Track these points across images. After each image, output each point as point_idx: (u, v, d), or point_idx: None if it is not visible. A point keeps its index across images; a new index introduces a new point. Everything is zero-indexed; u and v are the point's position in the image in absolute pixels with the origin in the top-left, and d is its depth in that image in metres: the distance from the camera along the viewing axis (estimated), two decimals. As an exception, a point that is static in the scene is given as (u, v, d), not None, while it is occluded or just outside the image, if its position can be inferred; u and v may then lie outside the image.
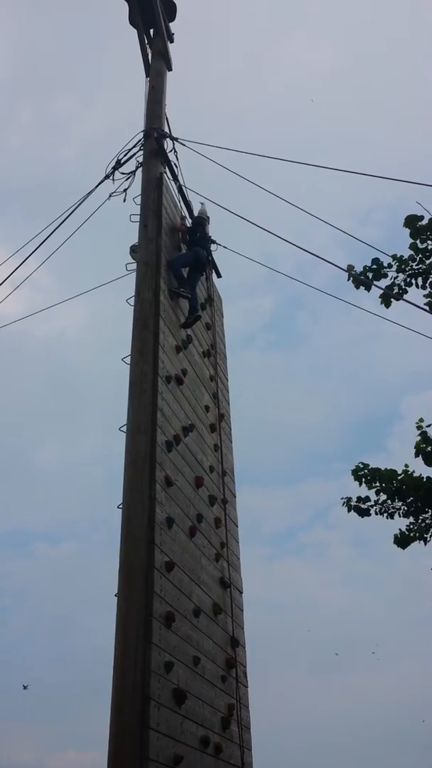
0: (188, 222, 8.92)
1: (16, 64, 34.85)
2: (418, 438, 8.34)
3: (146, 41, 9.71)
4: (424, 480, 8.26)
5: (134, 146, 8.59)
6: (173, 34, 10.01)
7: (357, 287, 7.37)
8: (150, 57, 9.60)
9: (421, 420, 8.45)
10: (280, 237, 7.40)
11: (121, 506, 6.06)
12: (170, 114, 9.15)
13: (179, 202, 9.06)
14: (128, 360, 6.90)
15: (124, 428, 6.48)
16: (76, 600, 25.89)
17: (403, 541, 8.54)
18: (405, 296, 7.27)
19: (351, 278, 7.38)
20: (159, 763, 5.21)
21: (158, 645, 5.60)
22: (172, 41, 9.93)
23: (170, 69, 9.68)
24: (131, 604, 5.57)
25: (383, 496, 8.51)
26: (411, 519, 8.50)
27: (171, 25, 10.02)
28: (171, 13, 10.02)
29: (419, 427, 8.43)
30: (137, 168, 8.48)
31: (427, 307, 7.11)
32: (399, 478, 8.33)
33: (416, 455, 8.35)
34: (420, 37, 33.27)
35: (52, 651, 24.15)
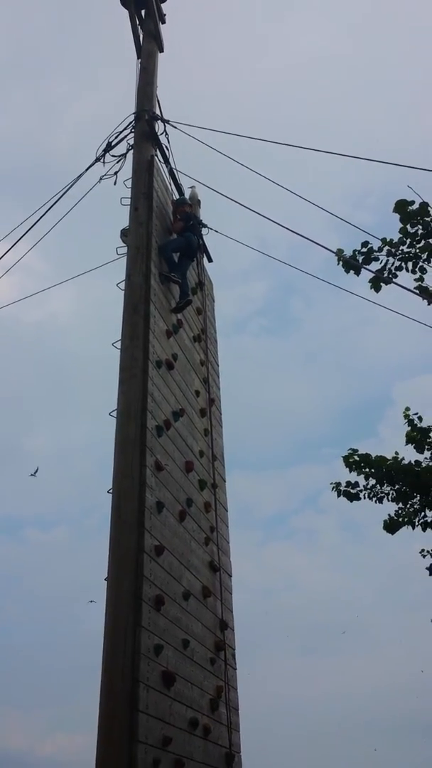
0: (185, 207, 8.80)
1: (7, 47, 34.43)
2: (408, 428, 8.42)
3: (138, 22, 9.58)
4: (414, 465, 8.33)
5: (125, 128, 8.50)
6: (165, 14, 9.87)
7: (347, 271, 7.37)
8: (141, 38, 9.48)
9: (408, 409, 8.52)
10: (271, 220, 7.36)
11: (111, 491, 6.07)
12: (162, 96, 9.06)
13: (170, 185, 9.00)
14: (118, 345, 6.88)
15: (115, 413, 6.47)
16: (67, 585, 26.01)
17: (392, 526, 8.62)
18: (395, 281, 7.27)
19: (341, 262, 7.37)
20: (148, 744, 5.25)
21: (147, 628, 5.63)
22: (164, 22, 9.81)
23: (162, 50, 9.56)
24: (121, 588, 5.59)
25: (372, 481, 8.59)
26: (400, 504, 8.58)
27: (163, 6, 9.90)
28: (163, -7, 9.88)
29: (407, 416, 8.50)
30: (128, 150, 8.39)
31: (416, 291, 7.12)
32: (388, 464, 8.40)
33: (407, 443, 8.42)
34: (419, 21, 33.05)
35: (43, 635, 24.30)
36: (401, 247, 7.37)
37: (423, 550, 8.81)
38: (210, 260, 10.03)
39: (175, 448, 7.19)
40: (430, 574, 8.50)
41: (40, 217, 8.45)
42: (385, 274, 7.38)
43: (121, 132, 8.48)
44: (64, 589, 25.88)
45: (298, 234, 7.24)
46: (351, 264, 7.38)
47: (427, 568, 8.52)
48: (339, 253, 7.41)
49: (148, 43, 9.35)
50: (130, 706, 5.18)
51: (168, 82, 9.54)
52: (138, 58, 9.29)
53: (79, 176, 8.49)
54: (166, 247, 8.01)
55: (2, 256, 8.62)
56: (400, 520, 8.57)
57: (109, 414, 6.52)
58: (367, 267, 7.32)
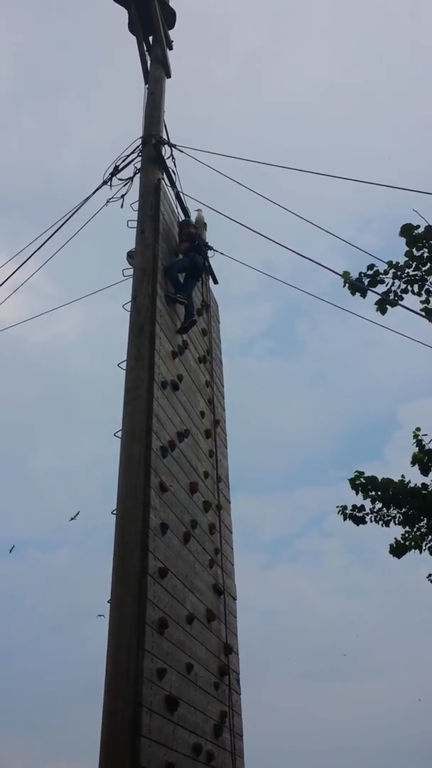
0: (190, 228, 8.87)
1: (17, 71, 35.01)
2: (416, 449, 8.38)
3: (145, 48, 9.75)
4: (420, 488, 8.28)
5: (132, 152, 8.62)
6: (172, 41, 10.05)
7: (353, 293, 7.40)
8: (149, 64, 9.63)
9: (418, 429, 8.49)
10: (276, 242, 7.42)
11: (115, 512, 6.04)
12: (169, 121, 9.19)
13: (177, 208, 9.08)
14: (124, 365, 6.90)
15: (119, 434, 6.46)
16: (69, 607, 25.81)
17: (398, 550, 8.55)
18: (401, 303, 7.29)
19: (347, 284, 7.40)
20: (150, 770, 5.17)
21: (151, 651, 5.57)
22: (171, 48, 9.98)
23: (169, 76, 9.72)
24: (124, 611, 5.54)
25: (379, 504, 8.53)
26: (407, 527, 8.52)
27: (170, 32, 10.07)
28: (170, 20, 10.07)
29: (416, 436, 8.46)
30: (135, 174, 8.50)
31: (422, 313, 7.13)
32: (395, 486, 8.35)
33: (413, 464, 8.38)
34: (420, 49, 33.49)
35: (44, 658, 24.07)
36: (407, 270, 7.41)
37: (430, 575, 8.73)
38: (215, 282, 10.09)
39: (179, 469, 7.16)
40: (437, 599, 8.41)
41: (48, 238, 8.55)
42: (391, 297, 7.40)
43: (128, 156, 8.61)
44: (66, 611, 25.68)
45: (303, 256, 7.28)
46: (357, 286, 7.41)
47: (434, 593, 8.43)
48: (345, 276, 7.45)
49: (156, 69, 9.49)
50: (133, 731, 5.11)
51: (175, 107, 9.68)
52: (145, 84, 9.44)
53: (87, 199, 8.59)
54: (172, 267, 8.05)
55: (9, 277, 8.70)
56: (407, 544, 8.51)
57: (114, 434, 6.52)
58: (373, 289, 7.35)
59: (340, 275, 7.49)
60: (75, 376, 32.75)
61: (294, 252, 7.32)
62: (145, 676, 5.36)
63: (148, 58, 9.69)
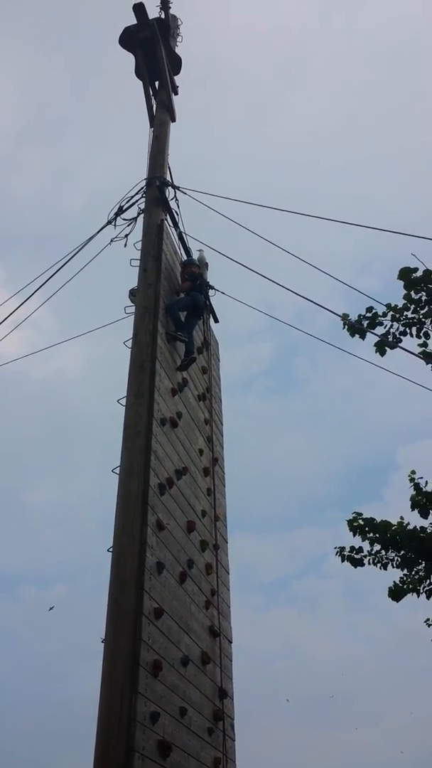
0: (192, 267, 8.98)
1: (23, 112, 35.79)
2: (413, 492, 8.36)
3: (151, 93, 10.00)
4: (419, 531, 8.23)
5: (136, 193, 8.80)
6: (178, 86, 10.31)
7: (352, 335, 7.47)
8: (155, 108, 9.86)
9: (413, 472, 8.48)
10: (276, 282, 7.51)
11: (111, 549, 5.99)
12: (172, 163, 9.38)
13: (179, 248, 9.21)
14: (124, 401, 6.91)
15: (118, 470, 6.45)
16: (62, 646, 25.36)
17: (397, 593, 8.46)
18: (399, 345, 7.35)
19: (346, 326, 7.47)
20: None
21: (144, 694, 5.47)
22: (176, 94, 10.23)
23: (174, 120, 9.94)
24: (118, 651, 5.45)
25: (377, 546, 8.47)
26: (405, 570, 8.44)
27: (176, 78, 10.34)
28: (176, 67, 10.34)
29: (412, 479, 8.45)
30: (139, 214, 8.66)
31: (421, 355, 7.19)
32: (393, 529, 8.31)
33: (412, 509, 8.34)
34: (417, 96, 34.31)
35: (34, 698, 23.54)
36: (405, 313, 7.48)
37: (428, 620, 8.63)
38: (216, 321, 10.17)
39: (177, 507, 7.13)
40: (435, 645, 8.29)
41: (52, 275, 8.66)
42: (390, 339, 7.47)
43: (132, 197, 8.79)
44: (59, 650, 25.21)
45: (303, 297, 7.36)
46: (356, 328, 7.48)
47: (432, 639, 8.33)
48: (345, 317, 7.52)
49: (161, 113, 9.72)
50: (124, 777, 4.99)
51: (179, 149, 9.89)
52: (151, 126, 9.65)
53: (91, 238, 8.72)
54: (173, 306, 8.13)
55: (12, 313, 8.79)
56: (405, 587, 8.42)
57: (112, 471, 6.51)
58: (372, 331, 7.42)
59: (339, 316, 7.57)
60: (75, 411, 32.77)
61: (293, 292, 7.40)
62: (138, 719, 5.25)
63: (153, 102, 9.93)
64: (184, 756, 6.11)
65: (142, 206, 8.65)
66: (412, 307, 7.32)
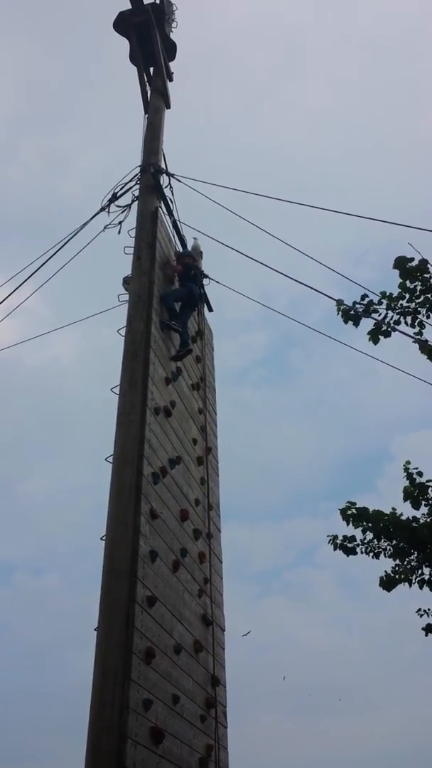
0: (187, 258, 8.93)
1: (18, 100, 35.47)
2: (407, 483, 8.36)
3: (146, 79, 9.91)
4: (411, 521, 8.24)
5: (131, 180, 8.72)
6: (173, 73, 10.22)
7: (346, 321, 7.41)
8: (149, 94, 9.78)
9: (408, 463, 8.47)
10: (272, 268, 7.49)
11: (104, 538, 5.98)
12: (167, 150, 9.31)
13: (173, 236, 9.16)
14: (117, 390, 6.89)
15: (111, 458, 6.43)
16: (55, 633, 25.41)
17: (388, 583, 8.47)
18: (394, 329, 7.32)
19: (340, 312, 7.43)
20: (133, 805, 5.05)
21: (137, 682, 5.47)
22: (171, 80, 10.14)
23: (168, 107, 9.87)
24: (111, 639, 5.46)
25: (370, 535, 8.48)
26: (397, 561, 8.46)
27: (171, 64, 10.25)
28: (171, 52, 10.25)
29: (406, 470, 8.44)
30: (133, 201, 8.59)
31: (416, 337, 7.17)
32: (385, 518, 8.31)
33: (405, 500, 8.34)
34: (417, 86, 34.19)
35: (27, 686, 23.60)
36: (400, 302, 7.44)
37: (420, 609, 8.65)
38: (210, 310, 10.13)
39: (170, 496, 7.12)
40: (426, 635, 8.32)
41: (45, 262, 8.60)
42: (384, 328, 7.43)
43: (126, 183, 8.72)
44: (52, 637, 25.25)
45: (299, 282, 7.35)
46: (350, 314, 7.43)
47: (423, 629, 8.34)
48: (339, 303, 7.47)
49: (156, 100, 9.64)
50: (117, 763, 5.00)
51: (174, 137, 9.81)
52: (145, 113, 9.57)
53: (84, 224, 8.66)
54: (168, 296, 8.09)
55: (4, 299, 8.73)
56: (397, 577, 8.44)
57: (106, 459, 6.49)
58: (367, 315, 7.37)
59: (334, 300, 7.52)
60: (69, 399, 32.62)
61: (289, 277, 7.39)
62: (130, 706, 5.27)
63: (148, 88, 9.85)
64: (177, 743, 6.13)
65: (137, 193, 8.59)
66: (407, 296, 7.28)
